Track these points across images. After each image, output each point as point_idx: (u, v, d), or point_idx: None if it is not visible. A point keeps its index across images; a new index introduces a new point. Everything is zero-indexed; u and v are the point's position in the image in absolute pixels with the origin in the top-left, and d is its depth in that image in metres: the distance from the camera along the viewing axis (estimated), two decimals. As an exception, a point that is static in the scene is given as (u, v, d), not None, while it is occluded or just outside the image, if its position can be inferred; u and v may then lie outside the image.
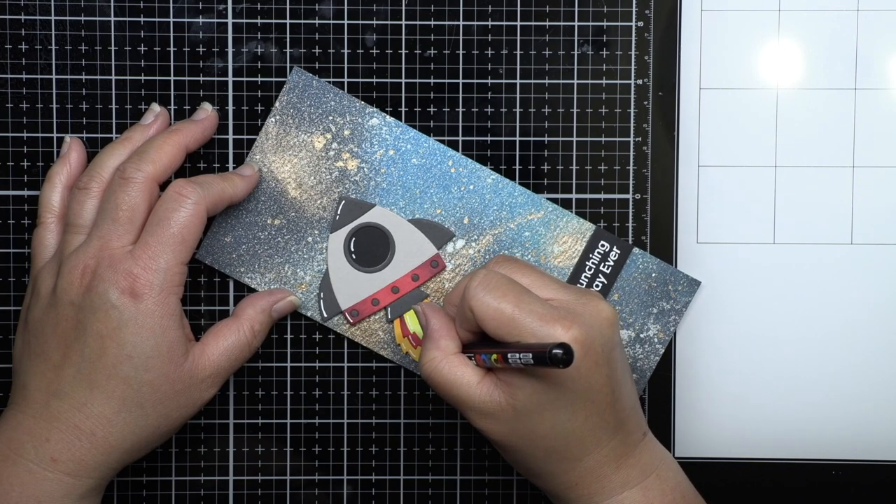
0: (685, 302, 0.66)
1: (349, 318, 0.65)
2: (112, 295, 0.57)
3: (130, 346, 0.57)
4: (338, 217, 0.65)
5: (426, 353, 0.58)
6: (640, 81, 0.66)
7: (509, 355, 0.54)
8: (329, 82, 0.65)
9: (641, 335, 0.66)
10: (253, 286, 0.65)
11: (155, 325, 0.57)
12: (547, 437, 0.56)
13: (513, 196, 0.66)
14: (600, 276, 0.65)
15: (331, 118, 0.65)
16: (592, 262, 0.66)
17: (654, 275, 0.66)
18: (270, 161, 0.65)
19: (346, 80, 0.66)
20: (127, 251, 0.58)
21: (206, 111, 0.64)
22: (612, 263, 0.66)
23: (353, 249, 0.65)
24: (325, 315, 0.65)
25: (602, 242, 0.66)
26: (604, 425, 0.57)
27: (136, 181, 0.58)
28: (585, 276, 0.65)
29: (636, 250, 0.66)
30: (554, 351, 0.51)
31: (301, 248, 0.65)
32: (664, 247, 0.67)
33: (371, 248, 0.65)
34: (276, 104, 0.65)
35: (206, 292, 0.66)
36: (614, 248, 0.66)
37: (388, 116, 0.65)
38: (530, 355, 0.53)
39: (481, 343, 0.58)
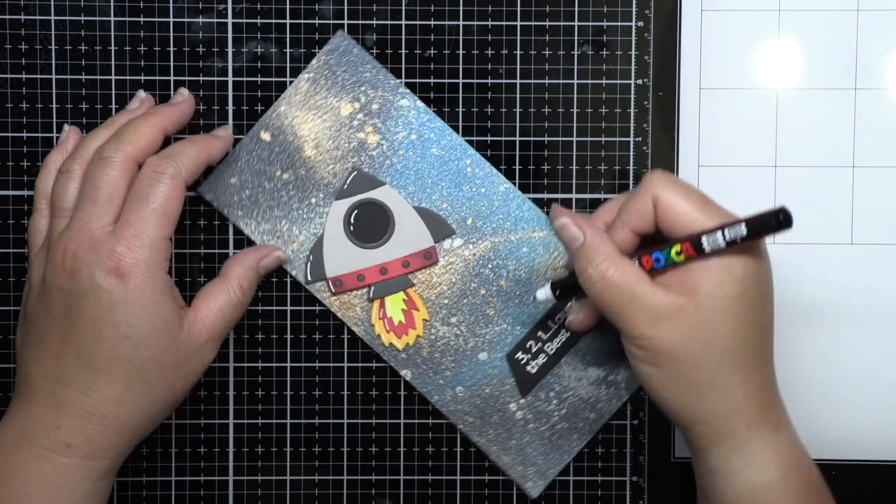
0: None
1: (332, 286, 0.65)
2: (98, 277, 0.56)
3: (126, 326, 0.57)
4: (346, 186, 0.65)
5: (591, 262, 0.56)
6: (640, 81, 0.66)
7: (705, 238, 0.54)
8: (370, 54, 0.65)
9: (609, 377, 0.66)
10: (247, 232, 0.65)
11: (147, 302, 0.57)
12: (726, 338, 0.55)
13: (521, 209, 0.66)
14: None
15: (363, 89, 0.65)
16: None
17: None
18: (294, 115, 0.65)
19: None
20: (108, 231, 0.57)
21: (184, 95, 0.64)
22: None
23: (352, 221, 0.65)
24: (309, 278, 0.65)
25: None
26: (766, 345, 0.56)
27: (115, 161, 0.58)
28: (569, 305, 0.65)
29: None
30: (781, 215, 0.52)
31: (303, 206, 0.65)
32: (664, 247, 0.67)
33: (370, 225, 0.65)
34: (314, 62, 0.65)
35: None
36: None
37: (419, 101, 0.65)
38: (743, 226, 0.53)
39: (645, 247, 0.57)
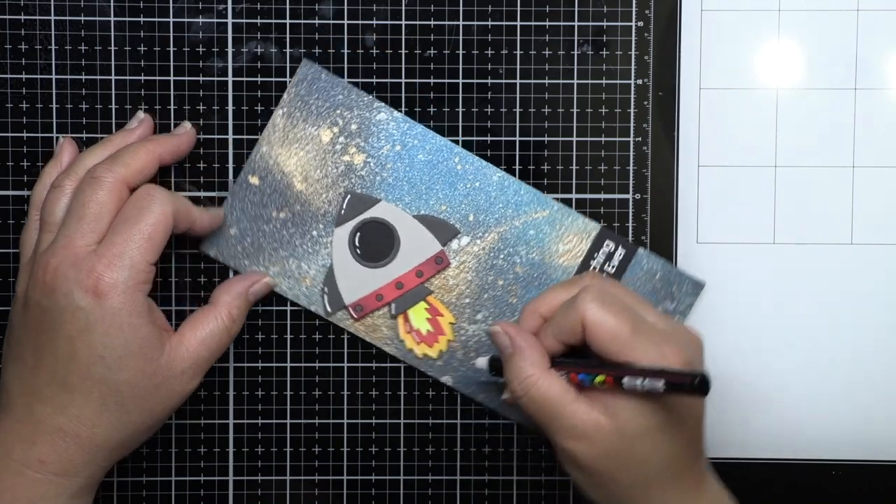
0: (689, 303, 0.66)
1: (353, 313, 0.65)
2: (76, 295, 0.56)
3: (101, 347, 0.56)
4: (343, 211, 0.65)
5: (520, 371, 0.57)
6: (640, 81, 0.66)
7: (626, 379, 0.53)
8: (338, 77, 0.65)
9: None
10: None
11: (123, 324, 0.56)
12: (644, 461, 0.55)
13: (518, 194, 0.66)
14: (604, 275, 0.65)
15: (338, 112, 0.65)
16: (597, 262, 0.66)
17: (658, 275, 0.66)
18: (277, 153, 0.65)
19: (346, 80, 0.66)
20: (91, 250, 0.57)
21: (186, 128, 0.64)
22: (616, 263, 0.66)
23: (357, 244, 0.65)
24: (329, 310, 0.65)
25: (607, 242, 0.66)
26: (692, 450, 0.57)
27: (106, 181, 0.58)
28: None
29: (641, 250, 0.66)
30: (697, 381, 0.51)
31: (306, 241, 0.65)
32: (664, 247, 0.66)
33: (376, 243, 0.65)
34: (284, 96, 0.65)
35: (206, 280, 0.66)
36: (619, 248, 0.66)
37: (395, 111, 0.65)
38: (662, 382, 0.52)
39: (574, 360, 0.57)
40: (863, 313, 0.67)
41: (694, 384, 0.51)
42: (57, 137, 0.65)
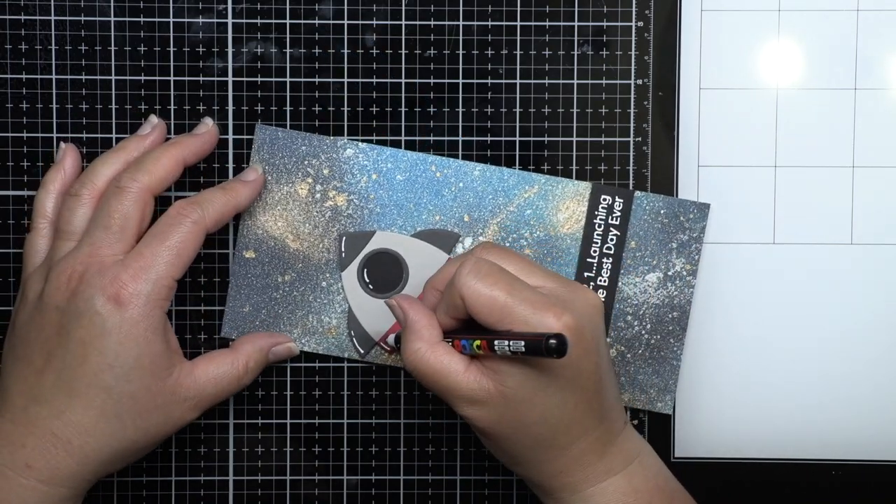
0: (701, 227, 0.66)
1: (385, 346, 0.66)
2: (97, 301, 0.56)
3: (112, 356, 0.56)
4: (343, 254, 0.65)
5: (409, 345, 0.57)
6: (640, 81, 0.66)
7: (496, 343, 0.54)
8: (294, 130, 0.65)
9: (669, 273, 0.66)
10: (295, 353, 0.66)
11: (138, 336, 0.57)
12: (536, 424, 0.56)
13: (503, 180, 0.66)
14: (612, 229, 0.65)
15: (307, 162, 0.65)
16: (600, 219, 0.65)
17: (662, 211, 0.66)
18: (262, 221, 0.65)
19: (346, 80, 0.66)
20: (117, 259, 0.57)
21: (207, 126, 0.64)
22: (619, 213, 0.66)
23: (367, 280, 0.65)
24: (362, 351, 0.66)
25: (604, 196, 0.66)
26: (591, 413, 0.57)
27: (131, 191, 0.58)
28: (598, 235, 0.65)
29: (638, 193, 0.66)
30: (550, 342, 0.51)
31: (318, 295, 0.65)
32: (664, 247, 0.66)
33: (385, 274, 0.65)
34: (252, 163, 0.65)
35: (206, 280, 0.66)
36: (617, 199, 0.65)
37: (360, 143, 0.65)
38: (522, 344, 0.52)
39: (465, 330, 0.58)
40: (863, 313, 0.67)
41: (548, 345, 0.51)
42: (57, 138, 0.65)
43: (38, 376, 0.57)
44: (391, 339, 0.64)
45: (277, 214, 0.65)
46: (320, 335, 0.66)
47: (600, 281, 0.66)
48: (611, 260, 0.66)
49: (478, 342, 0.55)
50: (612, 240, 0.65)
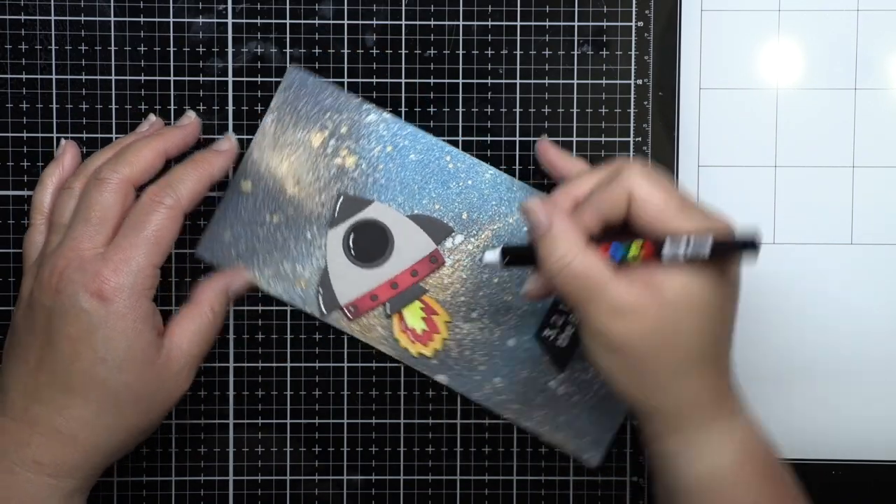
0: None
1: (348, 313, 0.65)
2: (81, 298, 0.56)
3: (103, 350, 0.56)
4: (336, 213, 0.65)
5: (555, 251, 0.55)
6: (640, 81, 0.66)
7: (667, 246, 0.52)
8: (326, 80, 0.65)
9: None
10: (254, 283, 0.65)
11: (127, 328, 0.57)
12: (685, 340, 0.54)
13: (511, 191, 0.66)
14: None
15: (328, 115, 0.65)
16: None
17: None
18: (268, 158, 0.65)
19: (346, 80, 0.66)
20: (98, 253, 0.57)
21: (190, 118, 0.64)
22: None
23: (351, 245, 0.65)
24: (324, 311, 0.65)
25: None
26: (728, 338, 0.56)
27: (111, 182, 0.58)
28: None
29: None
30: (752, 239, 0.51)
31: (300, 244, 0.65)
32: (664, 247, 0.66)
33: (370, 244, 0.65)
34: (273, 102, 0.65)
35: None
36: None
37: (385, 112, 0.65)
38: (709, 242, 0.52)
39: (605, 239, 0.56)
40: (863, 313, 0.67)
41: (745, 241, 0.51)
42: (57, 138, 0.65)
43: (34, 375, 0.57)
44: (491, 255, 0.59)
45: (284, 156, 0.65)
46: (289, 284, 0.65)
47: (572, 318, 0.65)
48: None
49: (638, 244, 0.53)
50: None
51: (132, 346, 0.57)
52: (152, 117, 0.64)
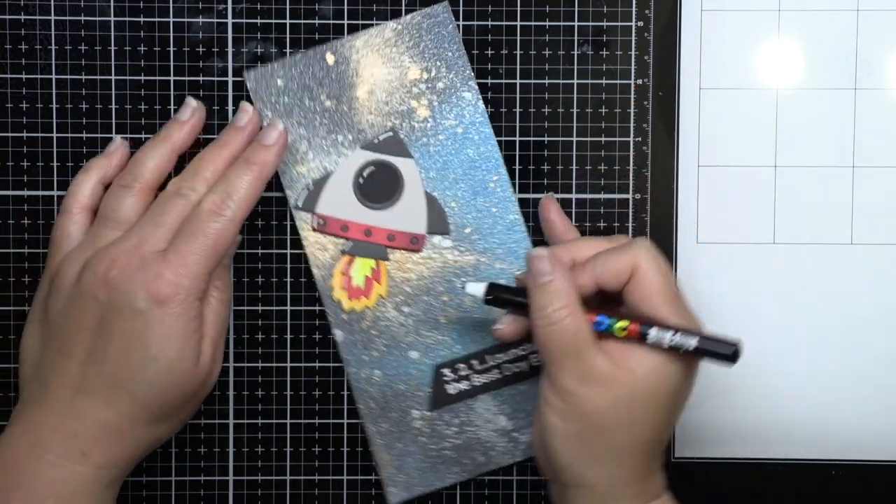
0: None
1: (315, 222, 0.65)
2: (139, 296, 0.57)
3: (155, 349, 0.57)
4: (376, 141, 0.65)
5: (553, 300, 0.57)
6: (640, 81, 0.66)
7: (653, 331, 0.55)
8: (461, 36, 0.65)
9: (513, 433, 0.66)
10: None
11: (180, 331, 0.58)
12: (643, 421, 0.56)
13: (518, 244, 0.65)
14: (522, 363, 0.66)
15: (438, 64, 0.65)
16: (529, 346, 0.66)
17: None
18: (365, 54, 0.65)
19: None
20: (159, 255, 0.58)
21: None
22: (541, 361, 0.66)
23: (364, 175, 0.65)
24: (300, 205, 0.65)
25: None
26: (673, 425, 0.59)
27: (190, 199, 0.60)
28: (513, 352, 0.66)
29: None
30: (734, 350, 0.55)
31: (328, 138, 0.65)
32: (664, 247, 0.66)
33: (378, 187, 0.65)
34: (408, 17, 0.65)
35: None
36: None
37: (481, 101, 0.65)
38: (696, 339, 0.55)
39: (599, 307, 0.58)
40: (863, 313, 0.67)
41: (730, 350, 0.55)
42: (58, 138, 0.65)
43: (83, 368, 0.58)
44: (474, 287, 0.60)
45: (380, 64, 0.65)
46: (292, 159, 0.65)
47: (474, 378, 0.66)
48: (497, 377, 0.66)
49: (623, 324, 0.56)
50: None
51: (183, 348, 0.58)
52: (192, 101, 0.64)
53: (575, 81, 0.66)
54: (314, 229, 0.65)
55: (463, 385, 0.66)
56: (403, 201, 0.65)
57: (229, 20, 0.66)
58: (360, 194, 0.65)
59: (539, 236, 0.66)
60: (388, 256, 0.66)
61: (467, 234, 0.66)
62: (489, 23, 0.66)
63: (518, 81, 0.66)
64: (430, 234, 0.66)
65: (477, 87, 0.65)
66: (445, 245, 0.66)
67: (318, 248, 0.66)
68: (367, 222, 0.65)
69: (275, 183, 0.65)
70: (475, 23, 0.66)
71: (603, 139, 0.66)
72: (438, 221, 0.66)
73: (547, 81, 0.66)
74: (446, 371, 0.66)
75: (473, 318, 0.66)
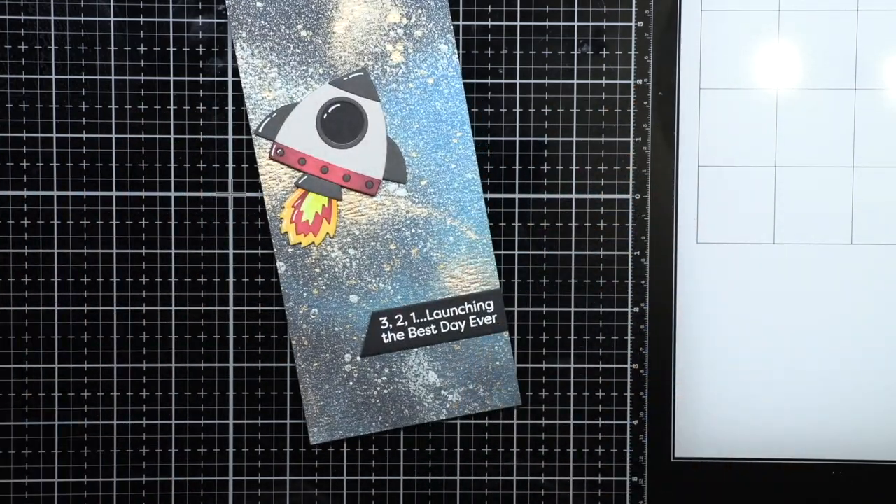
0: (493, 405, 0.66)
1: (274, 149, 0.65)
2: None
3: None
4: (346, 79, 0.65)
5: None
6: (640, 81, 0.66)
7: None
8: None
9: (442, 392, 0.66)
10: (237, 54, 0.64)
11: None
12: None
13: (471, 203, 0.65)
14: (460, 322, 0.66)
15: (419, 11, 0.65)
16: (469, 307, 0.66)
17: (497, 363, 0.66)
18: None
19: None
20: None
21: None
22: (480, 323, 0.66)
23: (329, 111, 0.65)
24: (260, 131, 0.65)
25: (489, 302, 0.66)
26: None
27: None
28: (452, 311, 0.65)
29: (504, 334, 0.66)
30: None
31: (299, 70, 0.65)
32: (664, 247, 0.67)
33: (341, 125, 0.65)
34: None
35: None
36: (493, 316, 0.66)
37: (457, 56, 0.65)
38: None
39: None
40: (863, 313, 0.67)
41: None
42: (58, 138, 0.65)
43: None
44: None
45: (360, 2, 0.65)
46: (259, 83, 0.64)
47: (411, 331, 0.66)
48: (434, 333, 0.66)
49: None
50: (449, 330, 0.66)
51: None
52: None
53: (575, 81, 0.66)
54: (272, 157, 0.65)
55: (398, 336, 0.66)
56: (364, 144, 0.65)
57: (229, 20, 0.66)
58: (323, 130, 0.65)
59: (517, 235, 0.66)
60: (341, 196, 0.65)
61: (423, 185, 0.66)
62: (489, 23, 0.66)
63: (518, 81, 0.66)
64: (387, 181, 0.65)
65: (454, 41, 0.65)
66: (400, 194, 0.66)
67: (273, 178, 0.65)
68: (325, 159, 0.65)
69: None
70: (475, 23, 0.66)
71: (603, 139, 0.66)
72: (397, 169, 0.65)
73: (547, 81, 0.66)
74: (383, 319, 0.66)
75: (417, 270, 0.66)
